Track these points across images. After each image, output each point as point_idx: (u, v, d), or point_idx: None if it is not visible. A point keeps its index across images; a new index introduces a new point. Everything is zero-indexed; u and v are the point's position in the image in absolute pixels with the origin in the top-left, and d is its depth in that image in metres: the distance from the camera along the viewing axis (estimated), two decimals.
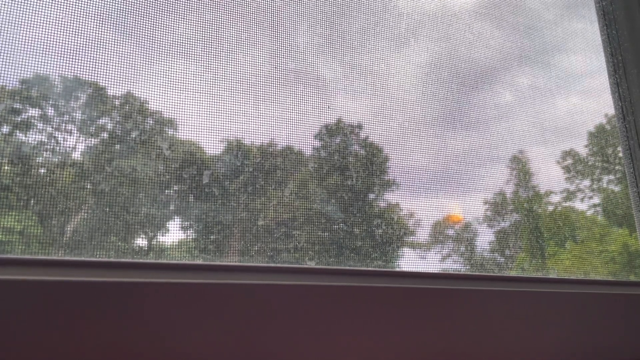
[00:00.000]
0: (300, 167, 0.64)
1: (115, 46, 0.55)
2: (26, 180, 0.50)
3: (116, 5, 0.55)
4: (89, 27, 0.53)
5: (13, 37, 0.50)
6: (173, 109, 0.57)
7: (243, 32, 0.62)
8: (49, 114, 0.54)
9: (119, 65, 0.55)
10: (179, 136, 0.58)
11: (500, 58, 0.82)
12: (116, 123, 0.57)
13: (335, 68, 0.68)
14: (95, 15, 0.54)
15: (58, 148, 0.54)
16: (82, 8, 0.53)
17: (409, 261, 0.68)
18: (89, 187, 0.54)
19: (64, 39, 0.52)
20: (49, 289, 0.39)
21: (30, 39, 0.50)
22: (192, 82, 0.58)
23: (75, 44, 0.52)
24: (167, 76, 0.57)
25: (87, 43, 0.53)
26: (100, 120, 0.56)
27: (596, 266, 0.80)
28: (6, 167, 0.50)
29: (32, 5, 0.51)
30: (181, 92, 0.57)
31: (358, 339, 0.48)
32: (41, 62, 0.51)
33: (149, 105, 0.57)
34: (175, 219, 0.58)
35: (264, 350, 0.44)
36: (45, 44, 0.51)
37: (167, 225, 0.57)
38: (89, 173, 0.54)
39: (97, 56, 0.53)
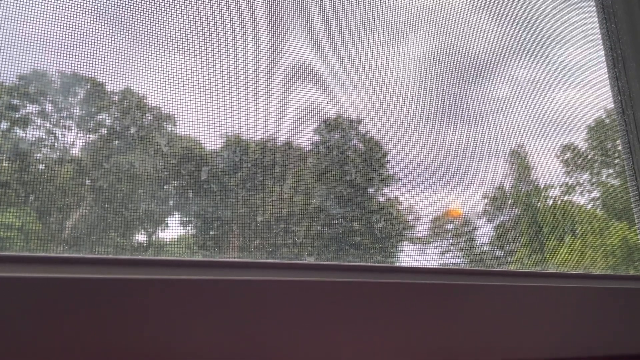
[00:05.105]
0: (299, 162, 0.64)
1: (114, 41, 0.54)
2: (25, 177, 0.50)
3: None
4: (87, 23, 0.53)
5: (10, 32, 0.50)
6: (171, 104, 0.57)
7: (241, 26, 0.61)
8: (47, 110, 0.54)
9: (117, 60, 0.54)
10: (178, 132, 0.58)
11: (498, 51, 0.82)
12: (114, 119, 0.57)
13: (334, 62, 0.67)
14: (94, 11, 0.54)
15: (56, 144, 0.54)
16: (80, 3, 0.53)
17: (408, 256, 0.68)
18: (87, 183, 0.54)
19: (62, 35, 0.52)
20: (48, 286, 0.39)
21: (27, 34, 0.50)
22: (190, 78, 0.58)
23: (73, 39, 0.52)
24: (165, 72, 0.57)
25: (85, 38, 0.53)
26: (99, 116, 0.56)
27: (595, 260, 0.81)
28: (5, 164, 0.50)
29: (29, 1, 0.51)
30: (180, 87, 0.57)
31: (357, 334, 0.48)
32: (39, 58, 0.51)
33: (148, 101, 0.57)
34: (175, 215, 0.58)
35: (263, 346, 0.44)
36: (43, 39, 0.51)
37: (167, 221, 0.57)
38: (87, 169, 0.54)
39: (95, 52, 0.53)
